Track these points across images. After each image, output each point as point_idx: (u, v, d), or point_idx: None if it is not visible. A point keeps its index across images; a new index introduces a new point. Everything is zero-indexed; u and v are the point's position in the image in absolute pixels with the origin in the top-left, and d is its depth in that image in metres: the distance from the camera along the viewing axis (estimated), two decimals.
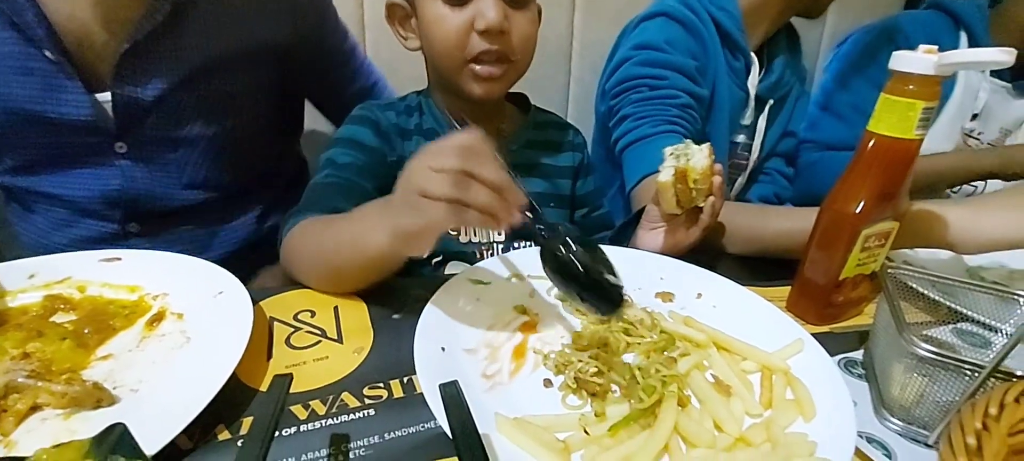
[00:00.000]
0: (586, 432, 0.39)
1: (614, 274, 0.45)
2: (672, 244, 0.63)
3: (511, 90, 0.71)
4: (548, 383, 0.44)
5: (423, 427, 0.40)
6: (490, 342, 0.48)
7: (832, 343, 0.49)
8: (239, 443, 0.38)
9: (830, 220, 0.53)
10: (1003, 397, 0.32)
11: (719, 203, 0.60)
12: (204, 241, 0.75)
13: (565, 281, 0.45)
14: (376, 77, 0.89)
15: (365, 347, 0.48)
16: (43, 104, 0.61)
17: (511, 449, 0.36)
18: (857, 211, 0.51)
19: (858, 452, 0.40)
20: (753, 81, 0.91)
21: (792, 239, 0.62)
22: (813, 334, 0.48)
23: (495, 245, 0.70)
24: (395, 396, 0.43)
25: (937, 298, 0.51)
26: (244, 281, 0.51)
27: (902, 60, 0.47)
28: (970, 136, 0.95)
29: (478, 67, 0.62)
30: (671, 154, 0.59)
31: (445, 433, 0.34)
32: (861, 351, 0.51)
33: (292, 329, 0.50)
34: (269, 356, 0.47)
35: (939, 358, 0.39)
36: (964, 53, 0.45)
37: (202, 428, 0.38)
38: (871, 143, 0.50)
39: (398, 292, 0.55)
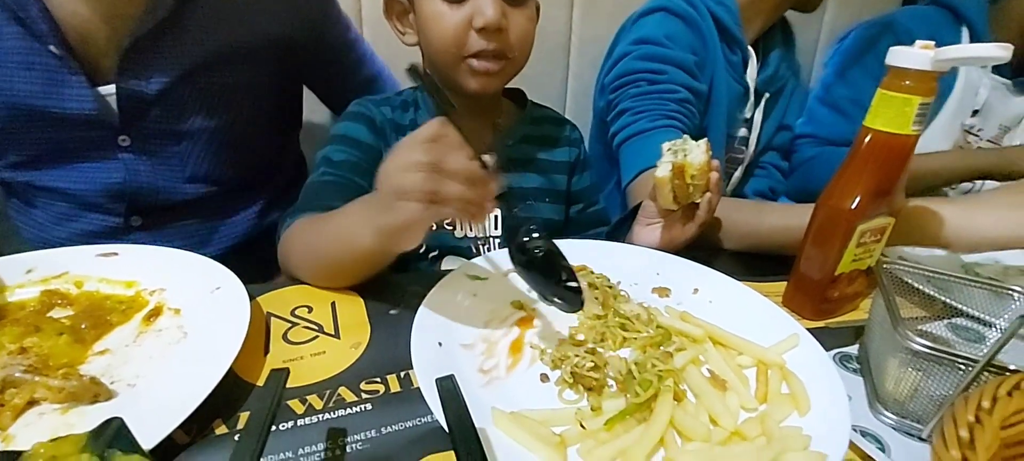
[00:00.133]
0: (582, 426, 0.39)
1: (573, 278, 0.46)
2: (669, 240, 0.64)
3: (508, 85, 0.71)
4: (545, 378, 0.45)
5: (420, 421, 0.40)
6: (487, 337, 0.48)
7: (828, 338, 0.50)
8: (236, 438, 0.38)
9: (826, 215, 0.54)
10: (996, 391, 0.32)
11: (716, 199, 0.60)
12: (205, 235, 0.75)
13: (529, 277, 0.48)
14: (379, 68, 0.89)
15: (362, 342, 0.48)
16: (47, 99, 0.61)
17: (508, 443, 0.36)
18: (853, 206, 0.51)
19: (852, 446, 0.40)
20: (751, 75, 0.91)
21: (788, 236, 0.62)
22: (809, 329, 0.48)
23: (491, 240, 0.70)
24: (392, 391, 0.43)
25: (932, 293, 0.51)
26: (243, 276, 0.51)
27: (899, 55, 0.47)
28: (970, 133, 0.95)
29: (475, 63, 0.62)
30: (668, 150, 0.59)
31: (442, 427, 0.34)
32: (856, 346, 0.52)
33: (289, 324, 0.50)
34: (266, 351, 0.47)
35: (933, 352, 0.39)
36: (961, 49, 0.45)
37: (199, 423, 0.38)
38: (867, 138, 0.50)
39: (395, 288, 0.55)
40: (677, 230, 0.63)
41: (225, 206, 0.76)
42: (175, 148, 0.69)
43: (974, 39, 0.91)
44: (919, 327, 0.49)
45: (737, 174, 1.00)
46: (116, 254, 0.56)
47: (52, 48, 0.59)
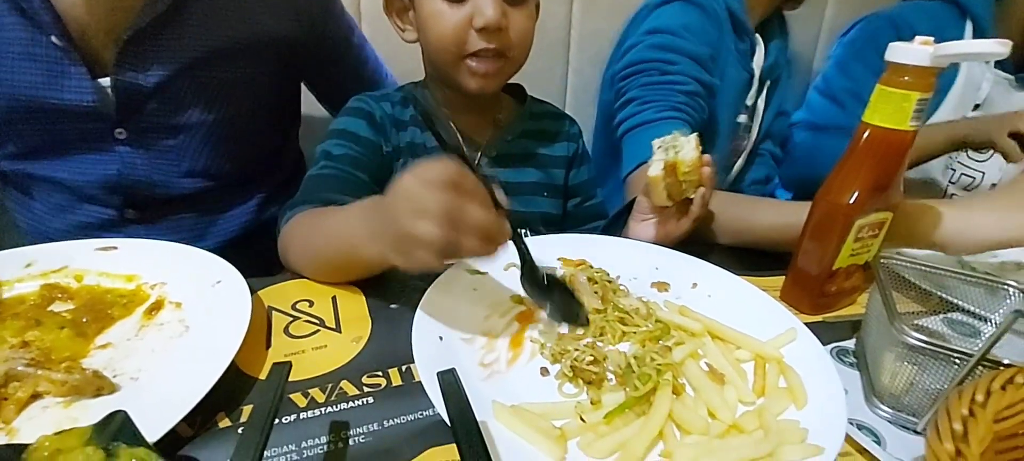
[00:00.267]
0: (582, 419, 0.39)
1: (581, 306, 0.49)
2: (664, 235, 0.64)
3: None
4: (545, 371, 0.45)
5: (421, 415, 0.40)
6: (487, 331, 0.48)
7: (825, 332, 0.50)
8: (239, 430, 0.38)
9: (824, 210, 0.54)
10: (990, 385, 0.32)
11: (709, 194, 0.61)
12: (201, 229, 0.75)
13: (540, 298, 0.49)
14: (383, 74, 0.88)
15: (363, 336, 0.49)
16: (47, 90, 0.61)
17: (508, 436, 0.37)
18: (851, 201, 0.51)
19: (849, 439, 0.40)
20: (758, 62, 0.92)
21: (782, 234, 0.62)
22: (806, 323, 0.49)
23: None
24: (393, 384, 0.43)
25: (928, 288, 0.51)
26: (241, 271, 0.51)
27: (898, 51, 0.47)
28: None
29: (474, 63, 0.62)
30: (659, 147, 0.60)
31: (443, 421, 0.34)
32: (853, 340, 0.52)
33: (290, 318, 0.50)
34: (268, 345, 0.47)
35: (929, 347, 0.40)
36: (960, 45, 0.45)
37: (202, 416, 0.38)
38: (866, 134, 0.51)
39: (395, 282, 0.55)
40: (672, 225, 0.63)
41: (222, 201, 0.76)
42: (171, 142, 0.68)
43: (978, 33, 0.91)
44: (915, 322, 0.50)
45: (739, 162, 1.01)
46: (116, 248, 0.56)
47: (53, 39, 0.59)
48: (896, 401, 0.43)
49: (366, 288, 0.55)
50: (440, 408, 0.35)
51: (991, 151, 0.93)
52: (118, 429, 0.30)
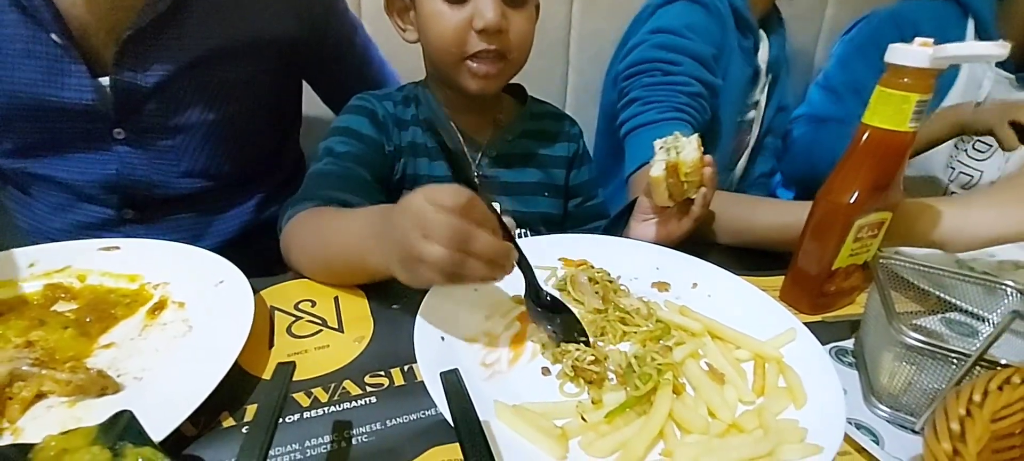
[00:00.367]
0: (583, 419, 0.40)
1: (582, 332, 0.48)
2: (665, 235, 0.64)
3: None
4: (546, 371, 0.45)
5: (424, 414, 0.41)
6: (489, 331, 0.49)
7: (824, 332, 0.50)
8: (243, 430, 0.38)
9: (824, 210, 0.54)
10: (987, 385, 0.33)
11: (710, 194, 0.61)
12: (200, 229, 0.75)
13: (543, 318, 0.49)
14: (387, 75, 0.88)
15: (366, 336, 0.49)
16: (47, 88, 0.61)
17: (511, 436, 0.37)
18: (851, 202, 0.52)
19: (847, 438, 0.41)
20: (763, 57, 0.92)
21: (782, 234, 0.63)
22: (805, 323, 0.49)
23: None
24: (396, 384, 0.44)
25: (927, 288, 0.52)
26: (241, 270, 0.51)
27: (897, 53, 0.48)
28: None
29: (475, 64, 0.63)
30: (661, 147, 0.60)
31: (445, 420, 0.34)
32: (852, 340, 0.52)
33: (293, 318, 0.51)
34: (271, 345, 0.47)
35: (927, 347, 0.40)
36: (959, 47, 0.46)
37: (206, 415, 0.38)
38: (866, 135, 0.51)
39: (397, 283, 0.55)
40: (673, 225, 0.64)
41: (221, 201, 0.76)
42: (170, 142, 0.68)
43: (980, 32, 0.91)
44: (914, 322, 0.50)
45: (744, 158, 1.01)
46: (118, 248, 0.56)
47: (54, 37, 0.59)
48: (894, 401, 0.43)
49: (368, 289, 0.55)
50: (443, 408, 0.35)
51: (990, 150, 0.93)
52: (124, 429, 0.30)
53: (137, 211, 0.71)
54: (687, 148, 0.58)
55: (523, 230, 0.74)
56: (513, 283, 0.54)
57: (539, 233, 0.73)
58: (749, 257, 0.68)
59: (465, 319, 0.49)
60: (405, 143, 0.70)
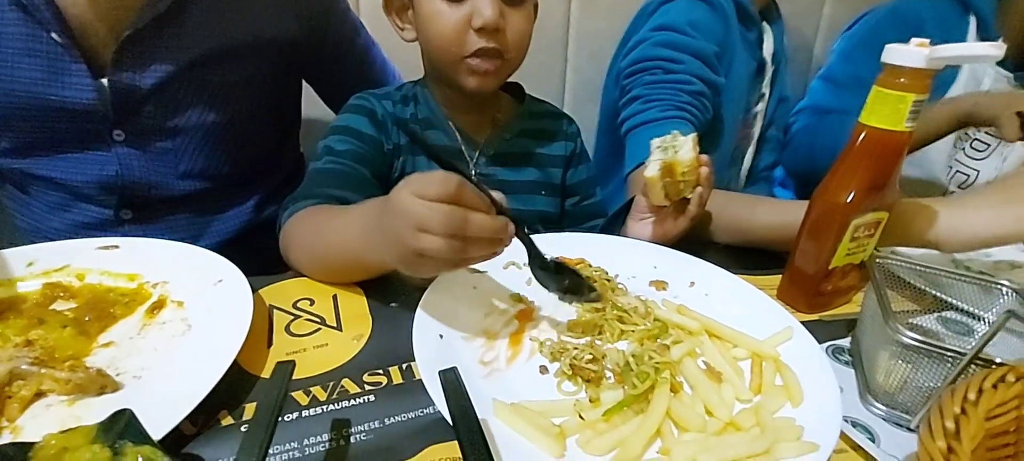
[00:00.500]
0: (581, 417, 0.40)
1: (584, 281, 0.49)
2: (661, 234, 0.64)
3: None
4: (544, 370, 0.45)
5: (422, 412, 0.41)
6: (487, 330, 0.49)
7: (821, 331, 0.51)
8: (242, 428, 0.39)
9: (821, 210, 0.54)
10: (982, 383, 0.33)
11: (706, 193, 0.61)
12: (199, 229, 0.75)
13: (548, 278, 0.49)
14: (392, 75, 0.88)
15: (364, 335, 0.49)
16: (47, 87, 0.61)
17: (509, 434, 0.37)
18: (847, 201, 0.52)
19: (843, 436, 0.41)
20: (768, 49, 0.93)
21: (780, 234, 0.63)
22: (802, 322, 0.49)
23: None
24: (394, 382, 0.44)
25: (923, 287, 0.52)
26: (240, 269, 0.51)
27: (894, 53, 0.48)
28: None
29: (474, 63, 0.63)
30: (658, 147, 0.60)
31: (443, 418, 0.35)
32: (848, 338, 0.53)
33: (292, 317, 0.51)
34: (269, 343, 0.47)
35: (922, 345, 0.40)
36: (955, 48, 0.46)
37: (205, 414, 0.39)
38: (862, 135, 0.51)
39: (396, 281, 0.55)
40: (669, 224, 0.64)
41: (220, 202, 0.76)
42: (169, 143, 0.68)
43: (982, 29, 0.91)
44: (910, 320, 0.50)
45: (750, 152, 1.01)
46: (117, 247, 0.56)
47: (54, 35, 0.59)
48: (890, 399, 0.44)
49: (367, 287, 0.55)
50: (442, 406, 0.36)
51: (988, 148, 0.93)
52: (124, 427, 0.30)
53: (136, 211, 0.71)
54: (683, 148, 0.58)
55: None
56: (512, 280, 0.55)
57: (536, 232, 0.74)
58: (747, 256, 0.68)
59: (464, 317, 0.49)
60: (404, 142, 0.70)
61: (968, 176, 0.95)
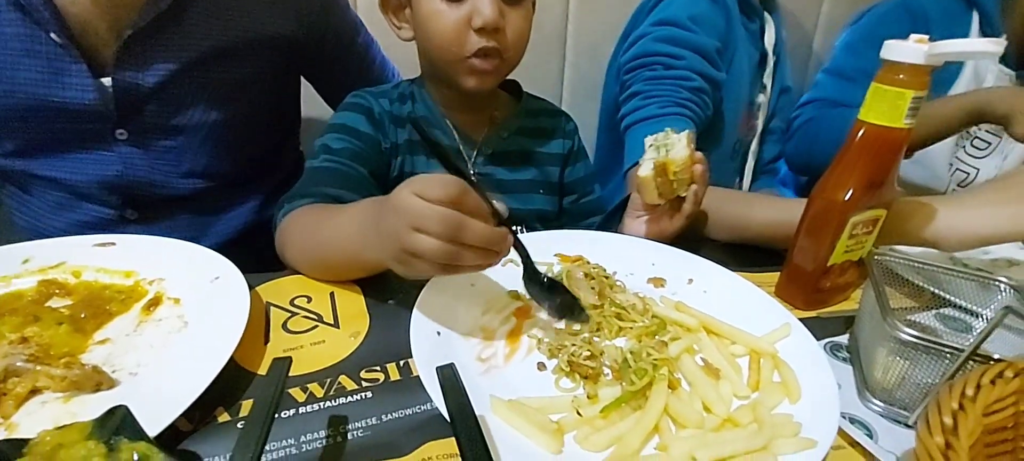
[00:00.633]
0: (579, 413, 0.40)
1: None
2: (657, 232, 0.64)
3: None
4: (542, 366, 0.45)
5: (419, 409, 0.41)
6: (485, 326, 0.49)
7: (819, 327, 0.51)
8: (238, 425, 0.38)
9: (819, 207, 0.54)
10: (980, 379, 0.33)
11: (702, 191, 0.61)
12: (200, 229, 0.75)
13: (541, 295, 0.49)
14: (392, 74, 0.88)
15: (361, 332, 0.49)
16: (48, 87, 0.61)
17: (506, 430, 0.37)
18: (846, 198, 0.52)
19: (841, 432, 0.41)
20: (770, 39, 0.92)
21: (778, 231, 0.63)
22: (800, 319, 0.49)
23: None
24: (392, 379, 0.44)
25: (921, 284, 0.52)
26: (240, 268, 0.51)
27: (892, 49, 0.48)
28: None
29: (473, 62, 0.62)
30: (651, 145, 0.60)
31: (441, 415, 0.34)
32: (846, 335, 0.53)
33: (289, 314, 0.51)
34: (266, 340, 0.47)
35: (920, 342, 0.40)
36: (954, 44, 0.46)
37: (201, 411, 0.38)
38: (861, 132, 0.51)
39: (393, 278, 0.55)
40: (664, 222, 0.64)
41: (221, 201, 0.76)
42: (171, 142, 0.68)
43: (984, 24, 0.91)
44: (908, 317, 0.50)
45: (754, 145, 1.01)
46: (114, 244, 0.56)
47: (53, 35, 0.59)
48: (888, 395, 0.44)
49: (364, 284, 0.55)
50: (439, 403, 0.36)
51: (989, 147, 0.93)
52: (119, 424, 0.30)
53: (138, 211, 0.71)
54: (676, 147, 0.58)
55: (518, 227, 0.74)
56: (510, 278, 0.55)
57: (534, 229, 0.74)
58: (745, 253, 0.68)
59: (461, 314, 0.49)
60: (402, 140, 0.70)
61: (968, 174, 0.95)
